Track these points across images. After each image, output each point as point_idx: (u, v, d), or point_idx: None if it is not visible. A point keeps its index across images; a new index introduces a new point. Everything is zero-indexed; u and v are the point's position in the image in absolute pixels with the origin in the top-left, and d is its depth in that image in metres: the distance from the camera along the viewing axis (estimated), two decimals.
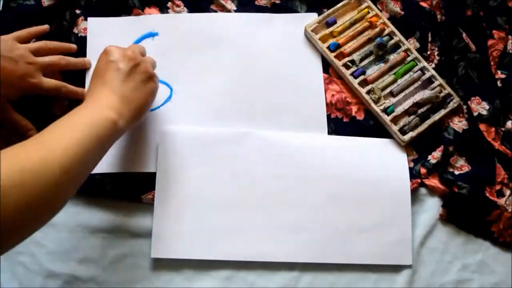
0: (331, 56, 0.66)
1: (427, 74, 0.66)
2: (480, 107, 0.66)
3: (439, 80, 0.66)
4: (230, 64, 0.66)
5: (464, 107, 0.66)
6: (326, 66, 0.67)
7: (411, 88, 0.66)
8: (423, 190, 0.63)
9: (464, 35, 0.68)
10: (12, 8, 0.65)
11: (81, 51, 0.65)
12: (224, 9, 0.69)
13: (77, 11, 0.66)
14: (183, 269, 0.58)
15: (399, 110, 0.65)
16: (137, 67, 0.54)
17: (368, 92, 0.65)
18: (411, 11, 0.70)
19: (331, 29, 0.68)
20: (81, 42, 0.65)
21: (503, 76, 0.68)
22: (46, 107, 0.62)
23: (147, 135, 0.62)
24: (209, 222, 0.59)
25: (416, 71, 0.66)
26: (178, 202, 0.59)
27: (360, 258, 0.59)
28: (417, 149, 0.64)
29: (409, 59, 0.67)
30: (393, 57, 0.67)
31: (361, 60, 0.66)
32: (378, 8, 0.70)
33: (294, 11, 0.69)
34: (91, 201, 0.60)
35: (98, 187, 0.59)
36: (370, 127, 0.65)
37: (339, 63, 0.66)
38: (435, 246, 0.61)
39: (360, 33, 0.68)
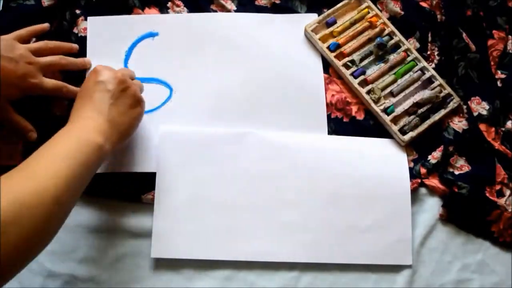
0: (331, 56, 0.66)
1: (427, 74, 0.66)
2: (480, 107, 0.66)
3: (439, 80, 0.66)
4: (230, 64, 0.66)
5: (464, 107, 0.66)
6: (326, 66, 0.67)
7: (411, 88, 0.66)
8: (423, 190, 0.63)
9: (464, 35, 0.68)
10: (12, 8, 0.65)
11: (82, 51, 0.64)
12: (224, 9, 0.69)
13: (77, 11, 0.66)
14: (183, 269, 0.58)
15: (399, 110, 0.65)
16: (126, 91, 0.54)
17: (368, 92, 0.65)
18: (411, 11, 0.70)
19: (331, 29, 0.68)
20: (81, 42, 0.65)
21: (503, 76, 0.68)
22: (46, 107, 0.62)
23: (147, 135, 0.62)
24: (209, 222, 0.59)
25: (416, 71, 0.66)
26: (178, 202, 0.59)
27: (361, 258, 0.59)
28: (417, 149, 0.64)
29: (409, 59, 0.67)
30: (393, 57, 0.67)
31: (361, 60, 0.66)
32: (378, 8, 0.70)
33: (294, 11, 0.69)
34: (91, 201, 0.60)
35: (98, 187, 0.59)
36: (370, 127, 0.65)
37: (339, 63, 0.66)
38: (435, 246, 0.61)
39: (360, 33, 0.68)
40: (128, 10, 0.67)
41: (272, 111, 0.65)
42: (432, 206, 0.62)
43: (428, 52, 0.68)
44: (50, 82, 0.58)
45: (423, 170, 0.63)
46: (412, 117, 0.64)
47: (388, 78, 0.66)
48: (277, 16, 0.68)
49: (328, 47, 0.66)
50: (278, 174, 0.61)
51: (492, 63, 0.68)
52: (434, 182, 0.63)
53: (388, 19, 0.69)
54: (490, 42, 0.69)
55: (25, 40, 0.60)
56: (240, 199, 0.60)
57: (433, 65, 0.68)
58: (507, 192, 0.63)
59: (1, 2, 0.66)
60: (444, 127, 0.65)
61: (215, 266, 0.58)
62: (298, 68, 0.67)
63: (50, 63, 0.59)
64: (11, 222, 0.39)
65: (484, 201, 0.61)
